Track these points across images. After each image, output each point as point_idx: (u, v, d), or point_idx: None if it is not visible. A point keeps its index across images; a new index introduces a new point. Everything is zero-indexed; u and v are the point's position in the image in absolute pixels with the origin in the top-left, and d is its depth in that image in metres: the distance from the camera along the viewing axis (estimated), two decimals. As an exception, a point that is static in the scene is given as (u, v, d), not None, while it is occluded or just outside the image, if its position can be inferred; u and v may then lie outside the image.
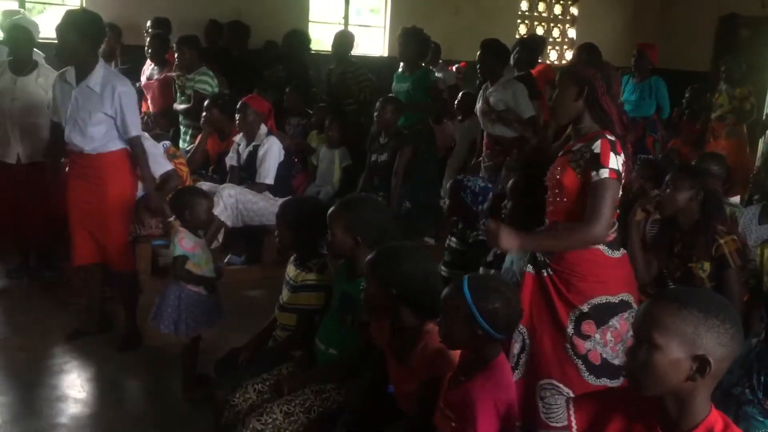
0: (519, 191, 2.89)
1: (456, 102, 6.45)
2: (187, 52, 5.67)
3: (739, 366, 2.14)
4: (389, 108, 5.13)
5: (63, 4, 7.13)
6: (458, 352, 2.08)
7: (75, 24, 3.43)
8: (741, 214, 3.72)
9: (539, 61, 6.56)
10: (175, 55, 5.73)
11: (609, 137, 2.32)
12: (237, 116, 4.88)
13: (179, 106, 5.75)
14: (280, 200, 4.13)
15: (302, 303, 2.75)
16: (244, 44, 6.86)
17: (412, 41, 5.40)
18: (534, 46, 6.13)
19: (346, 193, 4.90)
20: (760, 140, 7.33)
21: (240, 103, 4.89)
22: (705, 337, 1.47)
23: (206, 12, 7.02)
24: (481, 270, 3.11)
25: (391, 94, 5.34)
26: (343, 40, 6.27)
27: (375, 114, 5.19)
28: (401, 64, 5.55)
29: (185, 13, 6.77)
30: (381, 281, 2.18)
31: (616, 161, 2.30)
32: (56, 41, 3.48)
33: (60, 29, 3.43)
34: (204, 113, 5.22)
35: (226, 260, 4.75)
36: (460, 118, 6.56)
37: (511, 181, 3.02)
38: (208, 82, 5.65)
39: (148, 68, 6.13)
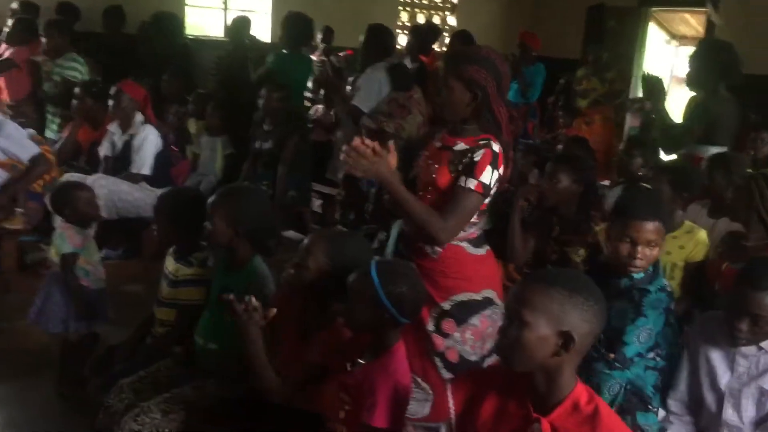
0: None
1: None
2: (57, 37, 5.33)
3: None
4: (275, 96, 5.04)
5: None
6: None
7: None
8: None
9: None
10: (43, 40, 5.39)
11: (494, 148, 2.24)
12: (111, 103, 4.64)
13: (46, 93, 5.41)
14: (159, 191, 3.98)
15: (182, 298, 2.66)
16: (119, 28, 6.51)
17: (293, 26, 5.35)
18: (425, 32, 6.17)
19: (230, 182, 4.79)
20: (625, 124, 7.79)
21: (114, 89, 4.64)
22: (570, 313, 1.55)
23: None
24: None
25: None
26: (241, 25, 6.16)
27: (261, 101, 5.10)
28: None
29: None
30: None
31: (489, 176, 2.23)
32: None
33: None
34: (75, 101, 4.93)
35: (102, 254, 4.53)
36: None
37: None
38: (77, 69, 5.35)
39: (5, 53, 5.70)
